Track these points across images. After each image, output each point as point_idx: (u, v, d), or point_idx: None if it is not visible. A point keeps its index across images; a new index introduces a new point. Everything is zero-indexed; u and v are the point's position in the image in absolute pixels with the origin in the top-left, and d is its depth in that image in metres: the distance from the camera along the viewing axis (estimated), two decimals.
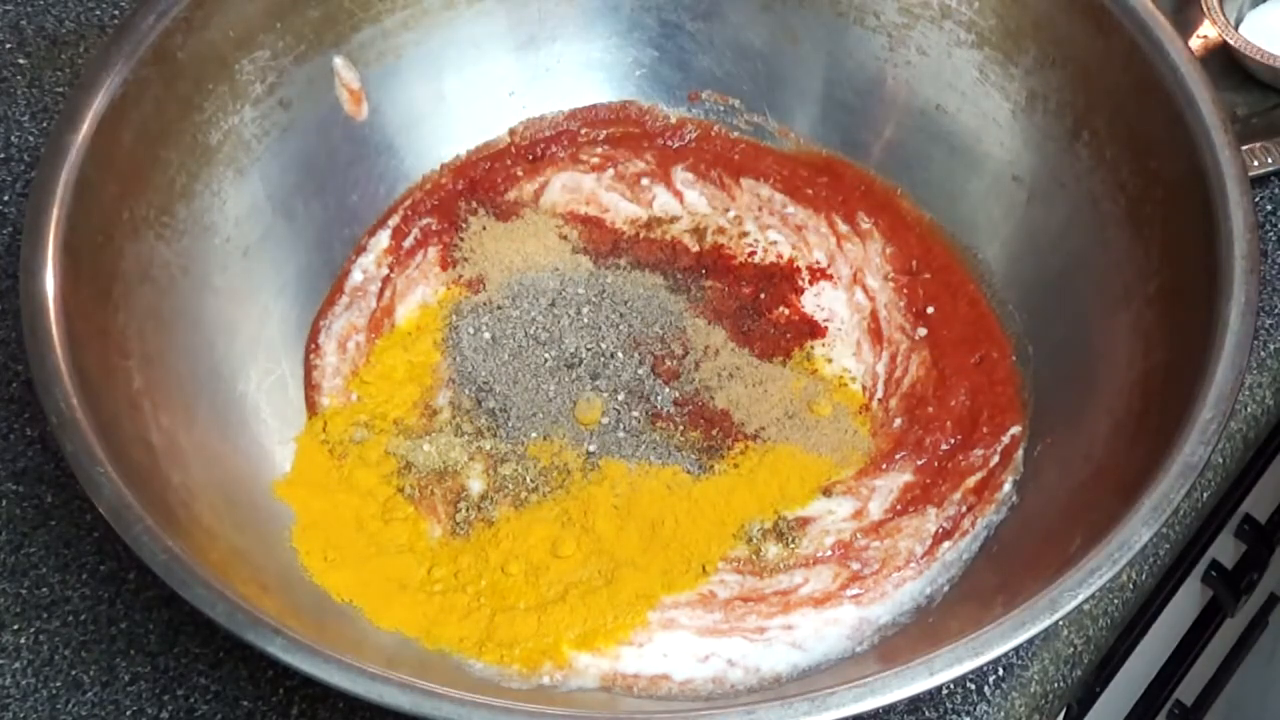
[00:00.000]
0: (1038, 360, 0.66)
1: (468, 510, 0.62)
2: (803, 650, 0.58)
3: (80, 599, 0.61)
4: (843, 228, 0.72)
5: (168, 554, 0.49)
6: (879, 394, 0.67)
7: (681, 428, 0.65)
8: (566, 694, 0.57)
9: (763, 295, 0.70)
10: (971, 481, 0.63)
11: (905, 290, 0.69)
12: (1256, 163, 0.71)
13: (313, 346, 0.67)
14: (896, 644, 0.58)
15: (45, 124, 0.76)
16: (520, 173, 0.74)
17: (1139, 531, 0.51)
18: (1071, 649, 0.60)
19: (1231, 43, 0.74)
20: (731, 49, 0.75)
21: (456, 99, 0.73)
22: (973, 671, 0.48)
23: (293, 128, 0.68)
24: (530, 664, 0.57)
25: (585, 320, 0.68)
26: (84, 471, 0.51)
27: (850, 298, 0.70)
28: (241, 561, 0.55)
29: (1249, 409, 0.67)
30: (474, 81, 0.74)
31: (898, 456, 0.64)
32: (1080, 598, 0.49)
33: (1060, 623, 0.55)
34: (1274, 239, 0.71)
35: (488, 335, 0.67)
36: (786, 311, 0.69)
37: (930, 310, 0.69)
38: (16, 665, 0.59)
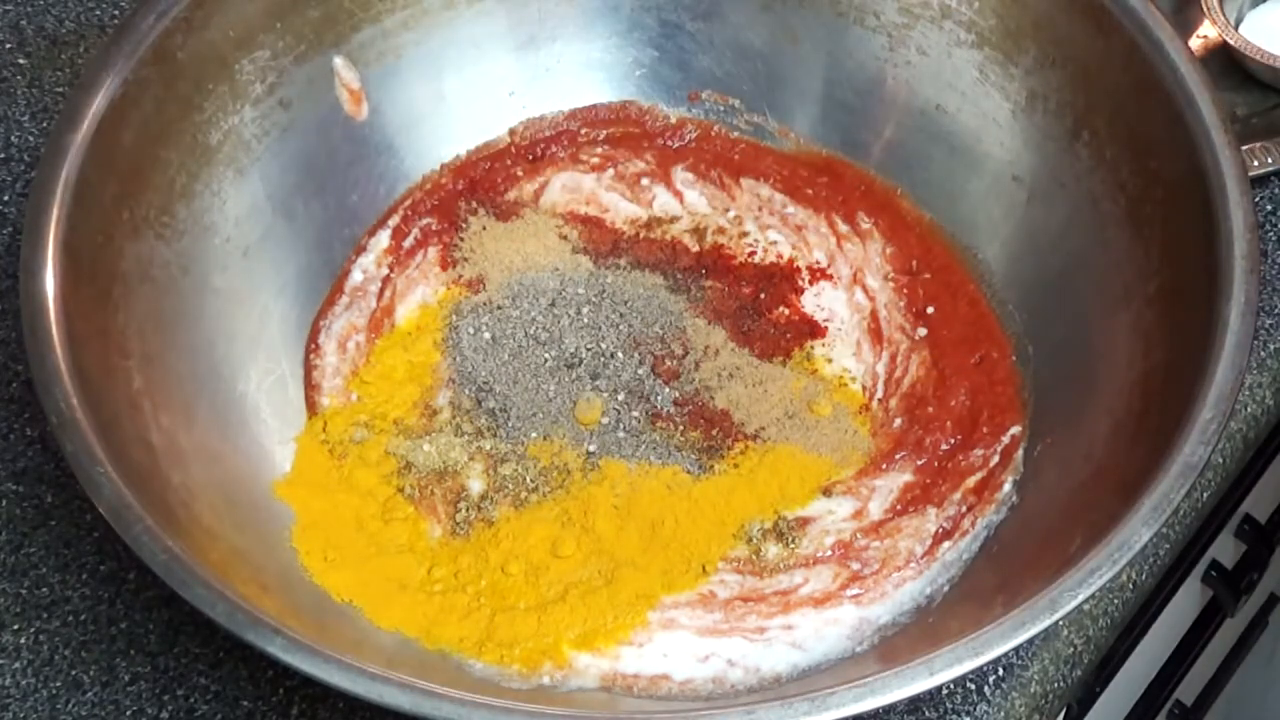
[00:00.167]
0: (1038, 360, 0.66)
1: (468, 510, 0.62)
2: (803, 650, 0.58)
3: (80, 599, 0.61)
4: (843, 228, 0.72)
5: (168, 554, 0.49)
6: (879, 394, 0.67)
7: (681, 428, 0.65)
8: (566, 694, 0.57)
9: (763, 295, 0.70)
10: (971, 481, 0.63)
11: (905, 290, 0.69)
12: (1256, 163, 0.71)
13: (313, 346, 0.67)
14: (896, 644, 0.58)
15: (45, 124, 0.76)
16: (520, 173, 0.74)
17: (1139, 531, 0.51)
18: (1071, 649, 0.60)
19: (1231, 43, 0.74)
20: (731, 49, 0.75)
21: (456, 99, 0.73)
22: (973, 671, 0.48)
23: (293, 128, 0.68)
24: (530, 664, 0.57)
25: (585, 320, 0.68)
26: (84, 471, 0.51)
27: (850, 298, 0.70)
28: (241, 561, 0.55)
29: (1249, 409, 0.67)
30: (474, 81, 0.74)
31: (898, 456, 0.64)
32: (1080, 598, 0.49)
33: (1060, 623, 0.55)
34: (1274, 239, 0.71)
35: (488, 335, 0.67)
36: (786, 311, 0.69)
37: (930, 310, 0.69)
38: (16, 665, 0.59)
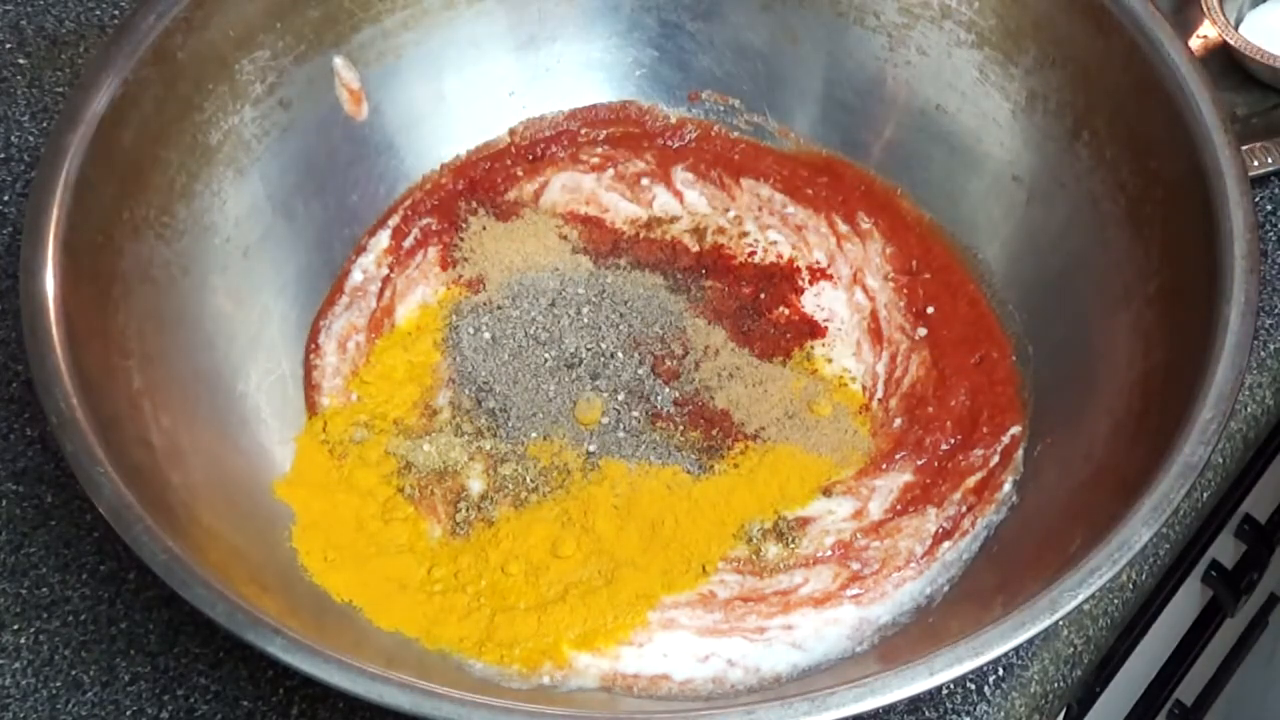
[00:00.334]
0: (1038, 360, 0.66)
1: (468, 510, 0.62)
2: (803, 650, 0.58)
3: (80, 599, 0.61)
4: (843, 228, 0.72)
5: (168, 554, 0.49)
6: (879, 394, 0.67)
7: (681, 428, 0.65)
8: (566, 694, 0.57)
9: (763, 295, 0.70)
10: (971, 481, 0.63)
11: (905, 290, 0.69)
12: (1256, 163, 0.71)
13: (313, 346, 0.67)
14: (896, 644, 0.58)
15: (45, 124, 0.76)
16: (520, 173, 0.74)
17: (1139, 531, 0.51)
18: (1071, 649, 0.60)
19: (1231, 43, 0.74)
20: (731, 49, 0.75)
21: (456, 99, 0.73)
22: (973, 671, 0.48)
23: (293, 128, 0.68)
24: (530, 664, 0.57)
25: (585, 320, 0.68)
26: (84, 471, 0.51)
27: (850, 298, 0.70)
28: (241, 561, 0.55)
29: (1249, 409, 0.67)
30: (474, 81, 0.74)
31: (898, 456, 0.64)
32: (1080, 598, 0.49)
33: (1060, 623, 0.55)
34: (1274, 239, 0.71)
35: (488, 335, 0.67)
36: (786, 311, 0.69)
37: (930, 310, 0.69)
38: (16, 665, 0.59)
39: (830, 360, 0.68)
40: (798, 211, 0.73)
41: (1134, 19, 0.63)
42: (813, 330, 0.69)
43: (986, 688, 0.58)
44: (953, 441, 0.64)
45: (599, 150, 0.75)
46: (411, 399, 0.66)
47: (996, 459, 0.63)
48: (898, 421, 0.65)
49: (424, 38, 0.72)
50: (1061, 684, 0.60)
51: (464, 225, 0.72)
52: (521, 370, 0.66)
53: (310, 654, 0.48)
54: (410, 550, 0.61)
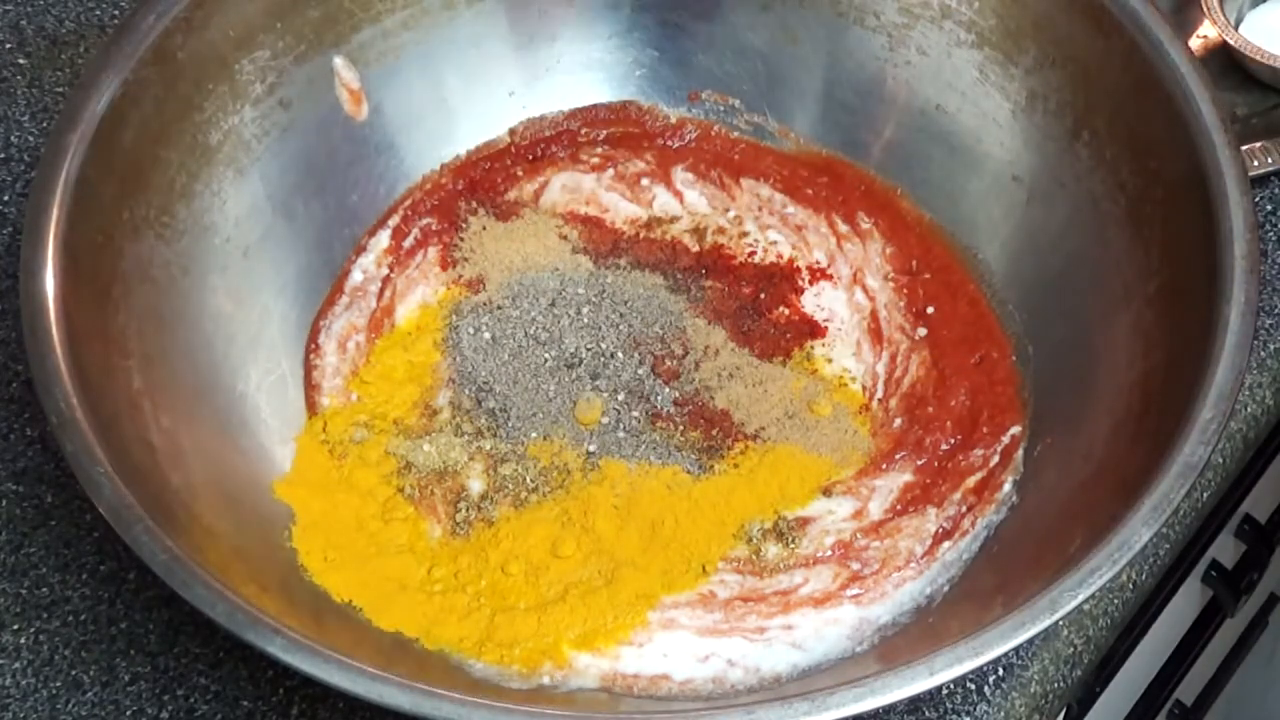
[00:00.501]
0: (1038, 360, 0.66)
1: (468, 510, 0.62)
2: (803, 650, 0.58)
3: (80, 599, 0.61)
4: (843, 228, 0.72)
5: (168, 554, 0.49)
6: (879, 394, 0.67)
7: (681, 428, 0.65)
8: (566, 694, 0.57)
9: (763, 295, 0.70)
10: (971, 481, 0.63)
11: (905, 290, 0.69)
12: (1256, 163, 0.71)
13: (313, 346, 0.67)
14: (896, 644, 0.58)
15: (45, 124, 0.76)
16: (520, 173, 0.74)
17: (1139, 531, 0.51)
18: (1071, 649, 0.60)
19: (1231, 43, 0.74)
20: (731, 49, 0.75)
21: (456, 99, 0.73)
22: (973, 671, 0.48)
23: (293, 128, 0.68)
24: (530, 664, 0.57)
25: (585, 320, 0.68)
26: (84, 471, 0.51)
27: (850, 298, 0.70)
28: (241, 561, 0.55)
29: (1249, 409, 0.67)
30: (474, 81, 0.74)
31: (898, 456, 0.64)
32: (1080, 598, 0.49)
33: (1060, 623, 0.55)
34: (1274, 239, 0.71)
35: (488, 335, 0.67)
36: (786, 311, 0.69)
37: (930, 310, 0.69)
38: (16, 665, 0.59)
39: (830, 360, 0.68)
40: (798, 211, 0.73)
41: (1134, 19, 0.63)
42: (813, 330, 0.69)
43: (986, 688, 0.58)
44: (953, 441, 0.64)
45: (599, 150, 0.75)
46: (411, 399, 0.66)
47: (996, 459, 0.63)
48: (898, 421, 0.65)
49: (424, 38, 0.72)
50: (1061, 684, 0.60)
51: (464, 225, 0.72)
52: (521, 370, 0.66)
53: (310, 654, 0.48)
54: (410, 550, 0.61)
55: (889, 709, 0.50)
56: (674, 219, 0.73)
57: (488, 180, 0.73)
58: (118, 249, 0.59)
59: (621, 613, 0.59)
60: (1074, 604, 0.49)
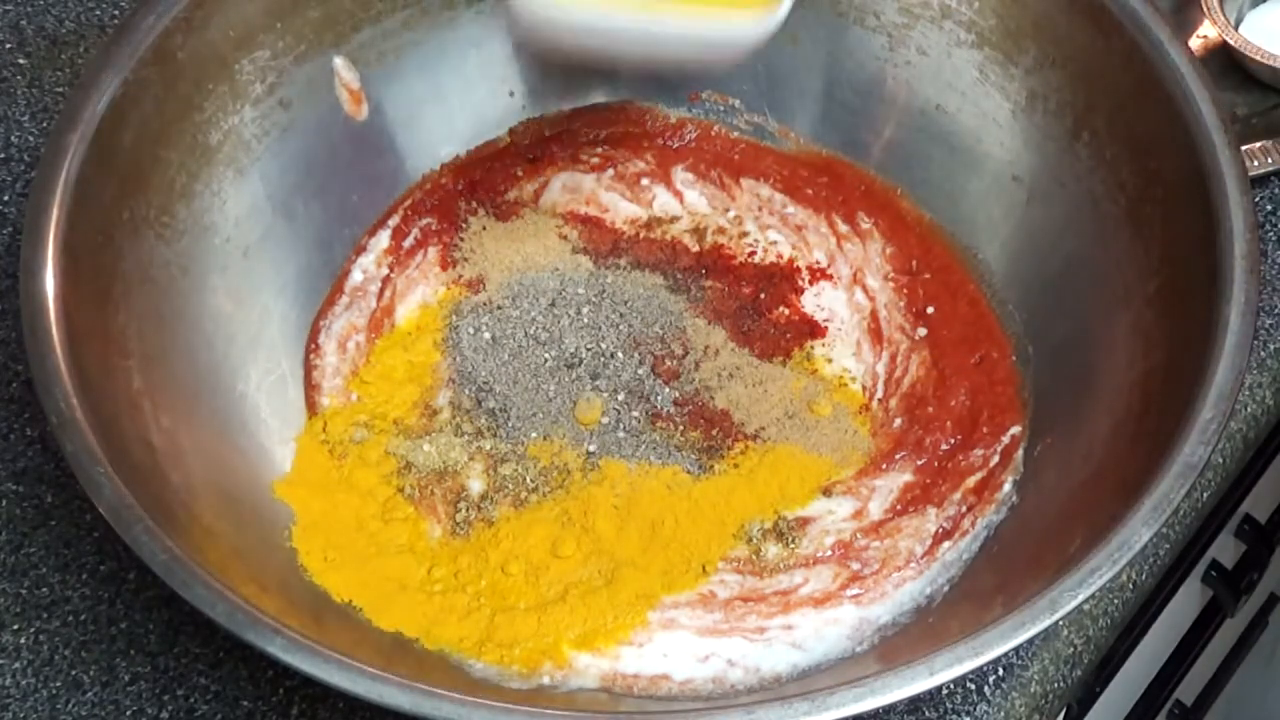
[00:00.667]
0: (1038, 360, 0.66)
1: (468, 510, 0.62)
2: (803, 650, 0.58)
3: (80, 599, 0.61)
4: (843, 228, 0.72)
5: (168, 554, 0.49)
6: (879, 394, 0.67)
7: (681, 428, 0.65)
8: (566, 694, 0.57)
9: (763, 295, 0.70)
10: (971, 481, 0.63)
11: (905, 290, 0.69)
12: (1256, 163, 0.71)
13: (313, 346, 0.67)
14: (896, 644, 0.58)
15: (45, 124, 0.76)
16: (520, 173, 0.74)
17: (1139, 531, 0.51)
18: (1071, 649, 0.60)
19: (1231, 43, 0.74)
20: None
21: (456, 99, 0.73)
22: (973, 671, 0.48)
23: (293, 128, 0.68)
24: (530, 664, 0.57)
25: (585, 320, 0.68)
26: (84, 471, 0.51)
27: (850, 298, 0.70)
28: (241, 561, 0.55)
29: (1249, 409, 0.67)
30: (474, 81, 0.74)
31: (898, 456, 0.64)
32: (1080, 598, 0.49)
33: (1060, 623, 0.55)
34: (1274, 239, 0.71)
35: (488, 335, 0.67)
36: (786, 311, 0.69)
37: (930, 310, 0.69)
38: (16, 665, 0.59)
39: (830, 360, 0.68)
40: (798, 211, 0.73)
41: (1134, 19, 0.63)
42: (813, 330, 0.69)
43: (986, 688, 0.58)
44: (953, 441, 0.64)
45: (599, 150, 0.75)
46: (411, 399, 0.66)
47: (996, 459, 0.63)
48: (898, 421, 0.65)
49: (424, 38, 0.72)
50: (1061, 684, 0.60)
51: (464, 225, 0.72)
52: (521, 370, 0.66)
53: (310, 654, 0.48)
54: (410, 550, 0.61)
55: (889, 709, 0.50)
56: (674, 219, 0.73)
57: (488, 180, 0.73)
58: (118, 249, 0.59)
59: (621, 613, 0.59)
60: (1074, 604, 0.49)
